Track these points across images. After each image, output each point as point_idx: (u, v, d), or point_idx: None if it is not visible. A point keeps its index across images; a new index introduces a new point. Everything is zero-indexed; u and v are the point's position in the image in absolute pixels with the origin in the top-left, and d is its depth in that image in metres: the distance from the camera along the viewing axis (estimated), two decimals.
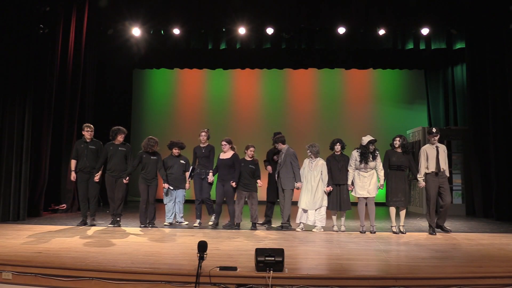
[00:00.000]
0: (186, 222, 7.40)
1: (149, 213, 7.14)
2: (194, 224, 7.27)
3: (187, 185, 7.39)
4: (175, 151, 7.40)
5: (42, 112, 8.38)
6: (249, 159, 7.17)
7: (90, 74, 10.16)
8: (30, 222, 7.40)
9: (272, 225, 7.39)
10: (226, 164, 7.15)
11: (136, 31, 9.69)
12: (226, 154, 7.23)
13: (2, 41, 7.76)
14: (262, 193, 7.52)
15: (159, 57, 11.68)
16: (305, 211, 6.99)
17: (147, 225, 7.10)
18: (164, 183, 7.21)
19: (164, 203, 7.44)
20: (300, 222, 7.04)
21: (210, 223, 7.28)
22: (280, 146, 7.24)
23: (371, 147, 6.88)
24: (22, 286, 4.20)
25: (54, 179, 8.97)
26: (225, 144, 7.23)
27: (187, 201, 7.59)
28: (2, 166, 7.60)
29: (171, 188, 7.27)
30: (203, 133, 7.45)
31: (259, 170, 7.20)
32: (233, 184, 7.06)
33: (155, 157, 7.16)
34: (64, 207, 8.98)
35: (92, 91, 10.30)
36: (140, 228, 6.93)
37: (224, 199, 7.22)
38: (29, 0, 7.99)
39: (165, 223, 7.34)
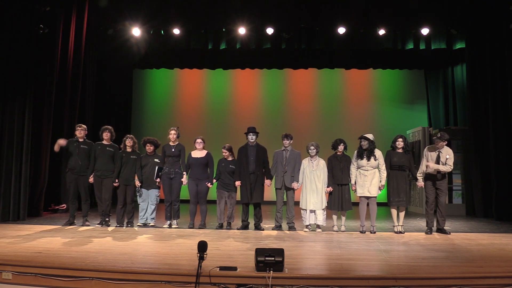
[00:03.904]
0: (152, 224, 7.17)
1: (128, 213, 7.14)
2: (164, 226, 7.12)
3: (157, 183, 7.11)
4: (148, 147, 7.16)
5: (42, 112, 8.37)
6: (229, 159, 7.08)
7: (90, 74, 10.15)
8: (30, 222, 7.40)
9: (264, 225, 7.25)
10: (200, 163, 7.02)
11: (136, 31, 9.69)
12: (200, 152, 7.11)
13: (2, 41, 7.75)
14: (270, 193, 7.20)
15: (159, 57, 11.66)
16: (312, 211, 6.96)
17: (126, 224, 7.09)
18: (137, 181, 7.09)
19: (138, 203, 7.29)
20: (309, 225, 6.99)
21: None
22: (288, 142, 7.11)
23: (362, 143, 6.88)
24: (22, 286, 4.20)
25: (54, 179, 8.97)
26: (200, 142, 7.09)
27: (160, 201, 7.36)
28: (2, 166, 7.60)
29: (140, 189, 7.11)
30: (173, 131, 7.09)
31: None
32: (209, 185, 6.99)
33: (134, 157, 7.13)
34: (64, 207, 8.97)
35: (92, 91, 10.30)
36: (115, 227, 6.95)
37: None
38: (29, 0, 7.99)
39: (138, 223, 7.18)
